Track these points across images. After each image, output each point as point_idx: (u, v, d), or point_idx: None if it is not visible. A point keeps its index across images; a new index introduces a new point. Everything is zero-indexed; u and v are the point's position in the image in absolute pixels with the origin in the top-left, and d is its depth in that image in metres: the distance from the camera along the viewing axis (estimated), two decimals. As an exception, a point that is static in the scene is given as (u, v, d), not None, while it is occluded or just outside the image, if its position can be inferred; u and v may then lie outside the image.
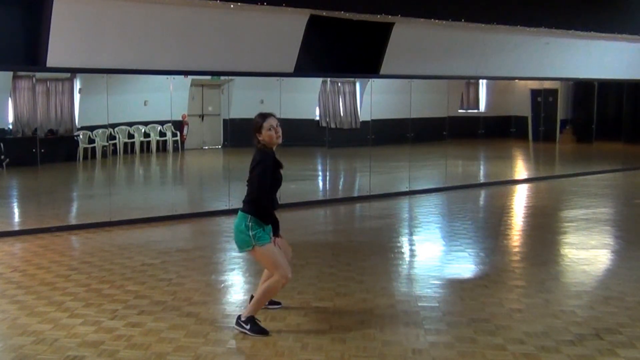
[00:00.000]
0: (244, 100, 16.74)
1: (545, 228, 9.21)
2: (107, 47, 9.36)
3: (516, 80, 17.72)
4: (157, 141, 16.62)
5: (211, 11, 9.83)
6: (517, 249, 8.07)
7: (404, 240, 8.79)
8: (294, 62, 11.00)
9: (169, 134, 16.55)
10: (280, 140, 5.03)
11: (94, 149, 15.04)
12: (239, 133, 14.52)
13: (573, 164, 16.56)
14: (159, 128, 16.54)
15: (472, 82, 20.76)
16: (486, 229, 9.30)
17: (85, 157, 14.99)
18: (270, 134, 4.95)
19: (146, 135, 16.45)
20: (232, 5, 9.74)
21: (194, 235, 9.11)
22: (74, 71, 12.83)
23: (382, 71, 12.28)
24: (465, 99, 21.35)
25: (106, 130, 13.63)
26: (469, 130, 16.49)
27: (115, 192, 10.91)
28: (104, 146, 14.84)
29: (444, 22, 12.03)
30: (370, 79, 13.39)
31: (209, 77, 16.71)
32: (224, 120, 17.83)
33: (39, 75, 14.13)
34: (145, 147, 16.54)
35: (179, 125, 16.87)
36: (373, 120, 12.70)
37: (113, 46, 9.42)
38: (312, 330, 5.03)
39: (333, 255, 7.45)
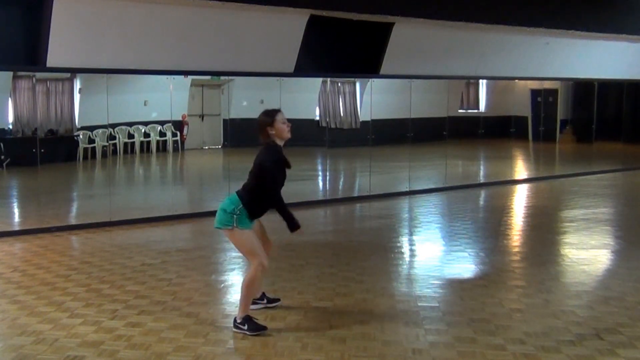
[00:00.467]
0: (243, 100, 16.76)
1: (545, 228, 9.21)
2: (107, 47, 9.36)
3: (516, 80, 17.73)
4: (157, 141, 16.63)
5: (211, 11, 9.83)
6: (517, 249, 8.07)
7: (404, 240, 8.79)
8: (294, 62, 11.00)
9: (169, 134, 16.56)
10: (290, 135, 5.07)
11: (94, 149, 15.05)
12: (239, 133, 14.54)
13: (573, 164, 16.57)
14: (159, 128, 16.56)
15: (472, 82, 20.78)
16: (486, 229, 9.30)
17: (85, 157, 15.00)
18: (284, 127, 5.01)
19: (146, 135, 16.46)
20: (232, 5, 9.73)
21: (194, 235, 9.11)
22: (74, 71, 12.84)
23: (382, 71, 12.27)
24: (465, 99, 21.37)
25: (106, 130, 13.64)
26: (469, 130, 16.50)
27: (115, 192, 10.91)
28: (104, 146, 14.85)
29: (444, 22, 12.01)
30: (370, 79, 13.39)
31: (209, 77, 16.72)
32: (224, 120, 17.84)
33: (39, 75, 14.14)
34: (145, 147, 16.55)
35: (179, 125, 16.89)
36: (373, 120, 12.70)
37: (113, 46, 9.41)
38: (312, 330, 5.03)
39: (333, 255, 7.45)
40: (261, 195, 4.97)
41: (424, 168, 14.53)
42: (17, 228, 9.09)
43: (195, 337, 4.90)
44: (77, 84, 15.47)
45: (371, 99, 12.97)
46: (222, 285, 6.47)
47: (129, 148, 16.21)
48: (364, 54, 12.07)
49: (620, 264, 7.39)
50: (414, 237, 8.94)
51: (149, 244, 8.06)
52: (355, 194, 12.26)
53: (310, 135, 16.98)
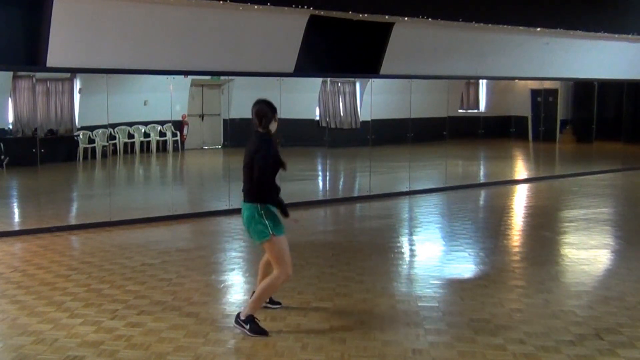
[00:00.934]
0: (244, 100, 16.76)
1: (545, 228, 9.21)
2: (107, 47, 9.36)
3: (516, 80, 17.74)
4: (157, 141, 16.63)
5: (211, 11, 9.83)
6: (517, 249, 8.07)
7: (404, 240, 8.79)
8: (294, 62, 11.00)
9: (169, 134, 16.56)
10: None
11: (94, 149, 15.05)
12: (239, 133, 14.55)
13: (573, 164, 16.57)
14: (159, 128, 16.56)
15: (472, 82, 20.78)
16: (486, 229, 9.30)
17: (85, 157, 15.00)
18: (275, 124, 5.09)
19: (146, 135, 16.46)
20: (232, 5, 9.73)
21: (194, 235, 9.11)
22: (74, 71, 12.84)
23: (382, 71, 12.27)
24: (465, 99, 21.37)
25: (106, 130, 13.64)
26: (469, 130, 16.51)
27: (115, 192, 10.91)
28: (104, 146, 14.86)
29: (444, 22, 12.02)
30: (370, 79, 13.39)
31: (209, 77, 16.73)
32: (224, 120, 17.85)
33: (39, 75, 14.15)
34: (145, 147, 16.55)
35: (179, 125, 16.89)
36: (373, 120, 12.70)
37: (113, 46, 9.41)
38: (312, 330, 5.03)
39: (333, 255, 7.45)
40: (266, 185, 4.91)
41: (424, 168, 14.53)
42: (17, 228, 9.09)
43: (195, 337, 4.90)
44: (77, 84, 15.48)
45: (371, 99, 12.97)
46: (222, 285, 6.46)
47: (129, 148, 16.22)
48: (364, 54, 12.07)
49: (620, 264, 7.39)
50: (414, 237, 8.94)
51: (149, 244, 8.06)
52: (355, 194, 12.26)
53: (310, 135, 17.00)
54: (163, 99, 12.16)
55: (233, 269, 7.09)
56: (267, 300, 5.50)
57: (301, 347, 4.69)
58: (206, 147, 18.26)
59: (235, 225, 9.19)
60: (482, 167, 16.68)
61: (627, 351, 4.63)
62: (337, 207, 11.00)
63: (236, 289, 6.40)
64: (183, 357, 4.54)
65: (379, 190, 11.83)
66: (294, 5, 10.05)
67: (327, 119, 19.30)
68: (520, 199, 12.32)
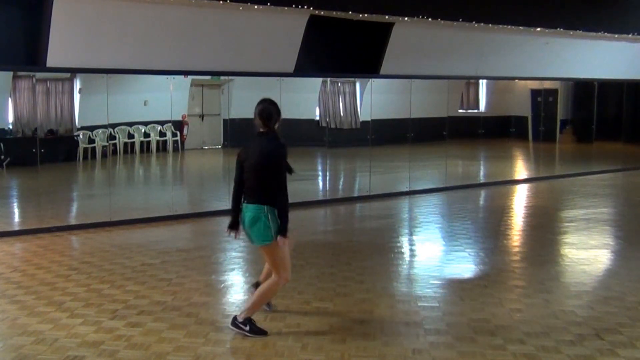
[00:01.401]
0: (244, 100, 16.75)
1: (545, 228, 9.21)
2: (107, 47, 9.36)
3: (516, 80, 17.74)
4: (157, 141, 16.63)
5: (211, 11, 9.84)
6: (517, 249, 8.07)
7: (404, 240, 8.79)
8: (294, 62, 11.01)
9: (169, 134, 16.56)
10: None
11: (94, 149, 15.05)
12: (239, 133, 14.54)
13: (573, 164, 16.57)
14: (159, 128, 16.56)
15: (472, 82, 20.77)
16: (486, 229, 9.30)
17: (85, 157, 15.00)
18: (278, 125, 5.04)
19: (146, 135, 16.46)
20: (232, 5, 9.74)
21: (194, 235, 9.11)
22: (74, 71, 12.84)
23: (382, 71, 12.28)
24: (465, 99, 21.36)
25: (106, 130, 13.64)
26: (469, 130, 16.50)
27: (115, 192, 10.91)
28: (104, 146, 14.85)
29: (444, 22, 12.03)
30: (370, 79, 13.39)
31: (209, 77, 16.73)
32: (224, 120, 17.85)
33: (39, 75, 14.14)
34: (145, 147, 16.55)
35: (179, 125, 16.89)
36: (373, 120, 12.70)
37: (113, 46, 9.42)
38: (312, 330, 5.03)
39: (333, 255, 7.45)
40: (280, 188, 4.80)
41: (424, 168, 14.53)
42: (17, 228, 9.09)
43: (195, 337, 4.90)
44: (77, 84, 15.48)
45: (371, 99, 12.97)
46: (222, 285, 6.46)
47: (129, 148, 16.21)
48: (364, 54, 12.07)
49: (620, 264, 7.39)
50: (414, 237, 8.94)
51: (149, 244, 8.06)
52: (355, 194, 12.26)
53: (310, 135, 16.99)
54: (163, 99, 12.16)
55: (233, 269, 7.09)
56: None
57: (301, 347, 4.69)
58: (206, 147, 18.26)
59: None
60: (482, 167, 16.68)
61: (627, 351, 4.63)
62: (337, 207, 11.01)
63: (236, 289, 6.40)
64: (183, 357, 4.54)
65: (379, 190, 11.83)
66: (294, 5, 10.05)
67: (327, 119, 19.30)
68: (520, 199, 12.32)
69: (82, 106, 15.46)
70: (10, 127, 14.61)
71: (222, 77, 16.44)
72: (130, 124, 16.08)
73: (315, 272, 6.69)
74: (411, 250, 8.24)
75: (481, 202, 12.02)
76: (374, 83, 13.10)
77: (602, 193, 12.65)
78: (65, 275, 6.58)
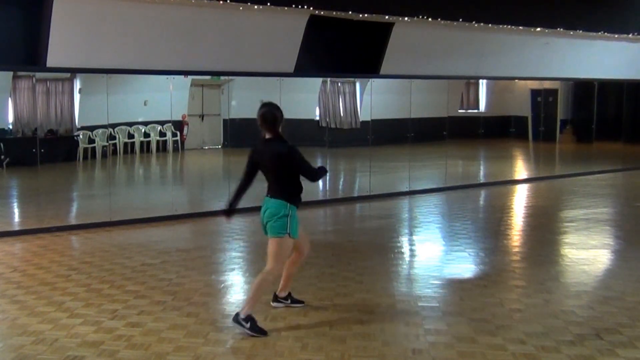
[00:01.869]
0: (244, 100, 16.75)
1: (545, 228, 9.21)
2: (107, 47, 9.36)
3: (516, 80, 17.74)
4: (157, 141, 16.63)
5: (211, 11, 9.84)
6: (517, 249, 8.07)
7: (404, 240, 8.79)
8: (294, 62, 11.00)
9: (169, 134, 16.56)
10: None
11: (94, 149, 15.05)
12: (239, 133, 14.55)
13: (573, 164, 16.57)
14: (159, 128, 16.56)
15: (472, 82, 20.78)
16: (486, 229, 9.30)
17: (85, 157, 15.00)
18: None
19: (146, 135, 16.46)
20: (232, 5, 9.74)
21: (194, 235, 9.11)
22: (74, 71, 12.84)
23: (382, 71, 12.28)
24: (465, 99, 21.37)
25: (106, 130, 13.64)
26: (469, 130, 16.50)
27: (115, 192, 10.91)
28: (104, 146, 14.85)
29: (444, 22, 12.03)
30: (370, 79, 13.39)
31: (209, 77, 16.73)
32: (224, 120, 17.85)
33: (39, 75, 14.13)
34: (145, 147, 16.55)
35: (179, 125, 16.89)
36: (373, 120, 12.70)
37: (113, 46, 9.42)
38: (312, 330, 5.03)
39: (333, 255, 7.45)
40: (297, 186, 5.09)
41: (424, 168, 14.53)
42: (17, 228, 9.09)
43: (195, 337, 4.90)
44: (77, 84, 15.48)
45: (371, 99, 12.97)
46: (222, 285, 6.46)
47: (129, 148, 16.21)
48: (364, 54, 12.08)
49: (620, 264, 7.39)
50: (414, 237, 8.94)
51: (149, 244, 8.06)
52: (355, 194, 12.26)
53: (310, 135, 16.99)
54: (163, 99, 12.16)
55: (233, 269, 7.09)
56: (288, 301, 5.53)
57: (301, 347, 4.69)
58: (206, 147, 18.26)
59: (236, 225, 9.19)
60: (482, 167, 16.69)
61: (627, 351, 4.63)
62: (337, 207, 11.00)
63: (236, 289, 6.40)
64: (183, 357, 4.54)
65: (379, 190, 11.83)
66: (294, 5, 10.06)
67: (327, 119, 19.30)
68: (520, 199, 12.32)
69: (82, 106, 15.45)
70: (10, 127, 14.61)
71: (222, 77, 16.44)
72: (130, 124, 16.08)
73: (315, 272, 6.69)
74: (411, 250, 8.25)
75: (481, 202, 12.02)
76: (374, 83, 13.10)
77: (602, 193, 12.65)
78: (65, 275, 6.58)
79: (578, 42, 14.16)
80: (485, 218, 10.43)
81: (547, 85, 17.50)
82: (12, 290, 6.06)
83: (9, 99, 14.44)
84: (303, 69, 11.22)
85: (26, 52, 9.04)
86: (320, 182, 14.28)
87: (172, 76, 10.82)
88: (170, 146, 16.69)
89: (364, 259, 7.27)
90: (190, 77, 16.21)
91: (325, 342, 4.79)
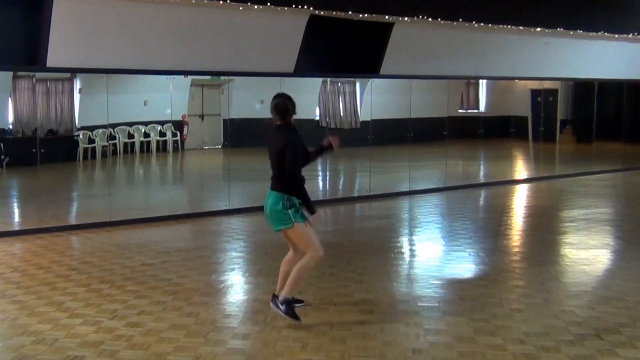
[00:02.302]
0: (244, 100, 16.76)
1: (545, 228, 9.21)
2: (107, 47, 9.36)
3: (516, 80, 17.73)
4: (157, 141, 16.63)
5: (211, 11, 9.84)
6: (517, 249, 8.07)
7: (404, 240, 8.79)
8: (294, 62, 11.01)
9: (169, 134, 16.56)
10: None
11: (94, 149, 15.05)
12: (239, 133, 14.54)
13: (573, 164, 16.57)
14: (159, 128, 16.56)
15: (472, 82, 20.79)
16: (486, 229, 9.30)
17: (85, 157, 15.00)
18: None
19: (146, 135, 16.47)
20: (232, 5, 9.74)
21: (194, 235, 9.11)
22: (74, 71, 12.85)
23: (382, 71, 12.28)
24: (465, 99, 21.38)
25: (106, 130, 13.64)
26: (469, 130, 16.49)
27: (115, 192, 10.91)
28: (104, 146, 14.86)
29: (444, 22, 12.03)
30: (370, 79, 13.39)
31: (209, 77, 16.73)
32: (224, 120, 17.85)
33: (39, 75, 14.14)
34: (145, 147, 16.55)
35: (179, 125, 16.89)
36: (373, 120, 12.70)
37: (113, 46, 9.42)
38: (312, 330, 5.03)
39: (333, 255, 7.44)
40: (296, 177, 5.04)
41: (424, 168, 14.53)
42: (17, 228, 9.08)
43: (195, 337, 4.90)
44: (77, 84, 15.48)
45: (371, 99, 12.97)
46: (222, 285, 6.46)
47: (129, 148, 16.22)
48: (364, 54, 12.08)
49: (620, 264, 7.39)
50: (414, 237, 8.94)
51: (149, 244, 8.06)
52: (355, 194, 12.26)
53: (310, 136, 16.94)
54: (163, 99, 12.16)
55: (233, 269, 7.09)
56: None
57: (301, 347, 4.69)
58: (206, 147, 18.26)
59: (236, 225, 9.20)
60: (482, 167, 16.68)
61: (627, 351, 4.63)
62: (337, 207, 11.00)
63: (236, 289, 6.41)
64: (183, 357, 4.54)
65: (379, 190, 11.83)
66: (294, 5, 10.06)
67: (327, 119, 19.30)
68: (520, 199, 12.32)
69: (82, 106, 15.46)
70: (10, 127, 14.62)
71: (222, 77, 16.44)
72: (130, 124, 16.08)
73: (315, 272, 6.66)
74: (411, 250, 8.24)
75: (481, 202, 12.02)
76: (374, 83, 13.10)
77: (602, 193, 12.66)
78: (65, 275, 6.58)
79: (578, 42, 14.16)
80: (485, 218, 10.43)
81: (547, 85, 17.51)
82: (12, 290, 6.06)
83: (9, 99, 14.45)
84: (303, 69, 11.22)
85: (26, 52, 9.04)
86: (320, 182, 14.30)
87: (172, 76, 10.82)
88: (170, 146, 16.69)
89: (364, 259, 7.27)
90: (190, 77, 16.22)
91: (325, 342, 4.79)
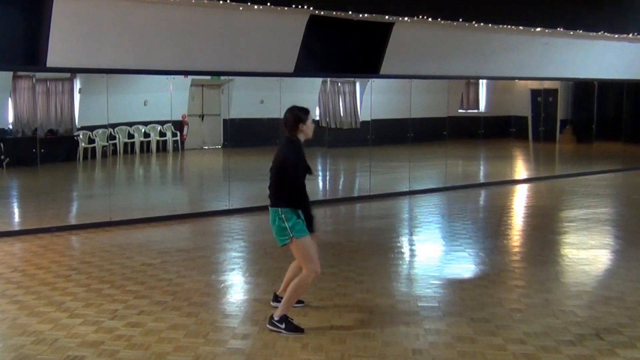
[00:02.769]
0: (244, 100, 16.75)
1: (545, 228, 9.21)
2: (107, 47, 9.36)
3: (516, 80, 17.73)
4: (157, 141, 16.63)
5: (211, 11, 9.84)
6: (517, 249, 8.07)
7: (404, 240, 8.79)
8: (294, 62, 11.01)
9: (169, 134, 16.56)
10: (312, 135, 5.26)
11: (94, 149, 15.05)
12: (239, 133, 14.54)
13: (573, 164, 16.56)
14: (159, 128, 16.56)
15: (472, 82, 20.78)
16: (486, 229, 9.30)
17: (85, 157, 15.00)
18: (312, 126, 5.23)
19: (146, 135, 16.46)
20: (232, 5, 9.74)
21: (194, 235, 9.11)
22: (74, 71, 12.84)
23: (382, 71, 12.28)
24: (465, 99, 21.37)
25: (106, 130, 13.64)
26: (469, 130, 16.48)
27: (115, 192, 10.90)
28: (104, 146, 14.86)
29: (444, 22, 12.03)
30: (370, 79, 13.39)
31: (209, 77, 16.73)
32: (224, 120, 17.85)
33: (39, 75, 14.14)
34: (145, 147, 16.55)
35: (179, 125, 16.89)
36: (373, 120, 12.69)
37: (113, 46, 9.42)
38: (312, 330, 5.03)
39: (333, 255, 7.45)
40: (288, 188, 5.01)
41: (424, 168, 14.53)
42: (17, 228, 9.08)
43: (195, 337, 4.90)
44: (77, 84, 15.48)
45: (371, 99, 12.97)
46: (222, 285, 6.46)
47: (129, 148, 16.21)
48: (364, 54, 12.08)
49: (620, 264, 7.39)
50: (414, 237, 8.94)
51: (149, 244, 8.06)
52: (355, 194, 12.26)
53: (310, 135, 16.96)
54: (163, 99, 12.16)
55: (233, 269, 7.09)
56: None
57: (301, 347, 4.69)
58: (206, 147, 18.26)
59: (235, 225, 9.20)
60: (482, 167, 16.67)
61: (627, 351, 4.63)
62: (337, 207, 11.00)
63: (236, 289, 6.41)
64: (183, 357, 4.54)
65: (379, 190, 11.83)
66: (294, 5, 10.06)
67: (327, 119, 19.30)
68: (520, 199, 12.32)
69: (82, 106, 15.45)
70: (10, 127, 14.61)
71: (222, 77, 16.44)
72: (130, 124, 16.07)
73: (315, 272, 6.68)
74: (411, 250, 8.24)
75: (481, 202, 12.02)
76: (374, 83, 13.10)
77: (602, 193, 12.66)
78: (65, 275, 6.58)
79: (578, 42, 14.16)
80: (485, 218, 10.43)
81: (547, 85, 17.50)
82: (12, 290, 6.06)
83: (9, 99, 14.44)
84: (303, 69, 11.22)
85: (26, 52, 9.04)
86: (320, 182, 14.30)
87: (172, 76, 10.81)
88: (170, 146, 16.69)
89: (364, 259, 7.27)
90: (190, 77, 16.22)
91: (325, 342, 4.79)
